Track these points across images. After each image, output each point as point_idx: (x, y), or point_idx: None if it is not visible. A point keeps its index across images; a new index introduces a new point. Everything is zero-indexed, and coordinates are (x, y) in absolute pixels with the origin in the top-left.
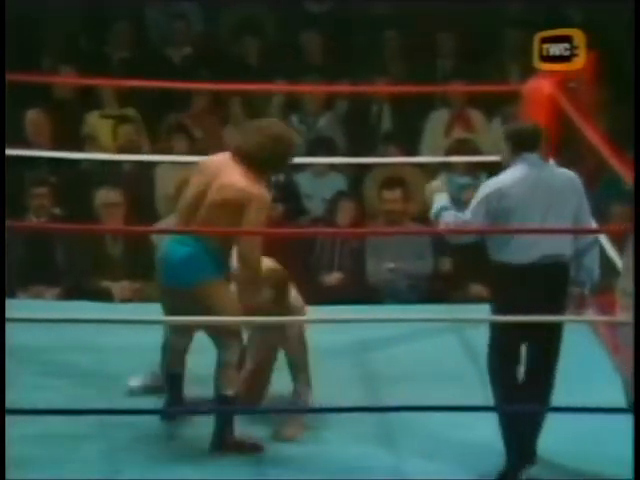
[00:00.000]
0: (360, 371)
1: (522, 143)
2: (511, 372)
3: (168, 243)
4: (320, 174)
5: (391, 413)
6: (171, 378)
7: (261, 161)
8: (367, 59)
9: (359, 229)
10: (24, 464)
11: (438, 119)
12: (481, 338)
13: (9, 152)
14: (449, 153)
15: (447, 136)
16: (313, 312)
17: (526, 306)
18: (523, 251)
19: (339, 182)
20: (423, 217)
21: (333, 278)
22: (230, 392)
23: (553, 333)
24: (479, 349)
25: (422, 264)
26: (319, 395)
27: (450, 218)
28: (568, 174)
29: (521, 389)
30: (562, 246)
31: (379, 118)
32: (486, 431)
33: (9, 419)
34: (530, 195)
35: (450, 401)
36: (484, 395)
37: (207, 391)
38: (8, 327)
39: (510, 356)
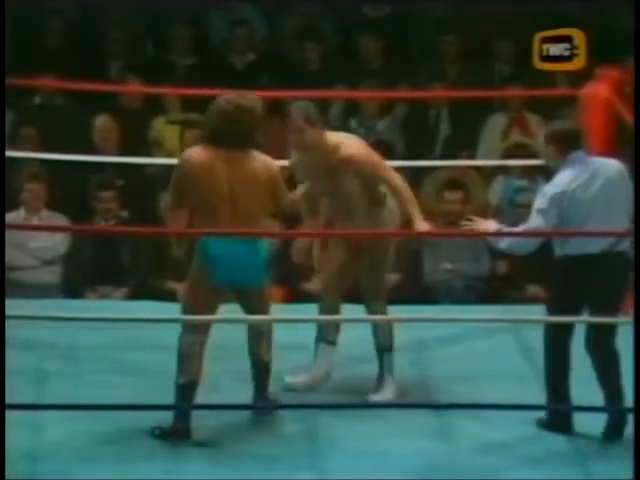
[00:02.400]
0: (417, 370)
1: (571, 142)
2: (565, 348)
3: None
4: None
5: (448, 411)
6: (186, 387)
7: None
8: (425, 63)
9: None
10: (90, 459)
11: (496, 123)
12: (537, 338)
13: (79, 157)
14: (506, 156)
15: (504, 140)
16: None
17: (592, 292)
18: (592, 241)
19: None
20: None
21: (391, 279)
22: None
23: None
24: (535, 349)
25: (479, 265)
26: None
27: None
28: (617, 164)
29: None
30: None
31: (437, 122)
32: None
33: (73, 414)
34: (590, 190)
35: (506, 400)
36: (540, 393)
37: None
38: (68, 326)
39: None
